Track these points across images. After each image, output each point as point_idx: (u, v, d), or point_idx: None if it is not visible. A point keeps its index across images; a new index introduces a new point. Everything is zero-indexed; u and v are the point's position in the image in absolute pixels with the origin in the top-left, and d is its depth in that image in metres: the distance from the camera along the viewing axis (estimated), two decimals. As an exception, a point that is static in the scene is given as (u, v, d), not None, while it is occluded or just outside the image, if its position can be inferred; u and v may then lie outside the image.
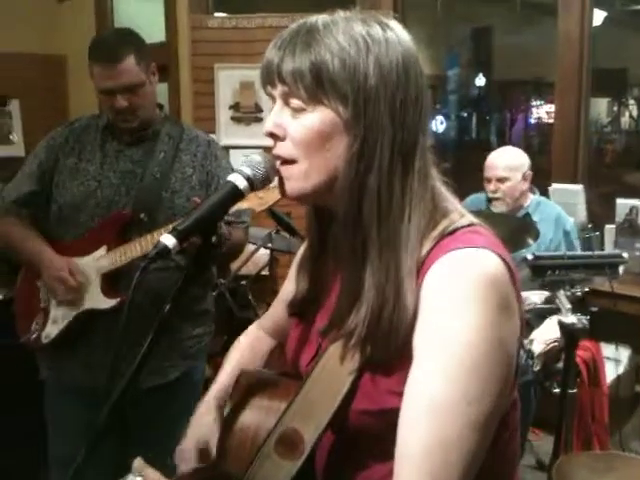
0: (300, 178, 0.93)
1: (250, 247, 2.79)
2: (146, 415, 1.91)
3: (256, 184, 0.96)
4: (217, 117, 3.87)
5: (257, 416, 1.04)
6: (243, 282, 3.10)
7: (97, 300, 1.93)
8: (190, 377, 2.12)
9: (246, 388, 1.09)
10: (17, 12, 4.52)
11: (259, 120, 3.81)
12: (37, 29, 4.72)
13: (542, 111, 8.39)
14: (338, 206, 0.92)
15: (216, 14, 4.51)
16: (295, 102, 0.91)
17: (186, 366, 2.09)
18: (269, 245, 2.98)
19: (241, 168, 0.97)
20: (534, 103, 8.41)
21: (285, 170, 0.94)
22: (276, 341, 1.29)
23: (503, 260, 0.86)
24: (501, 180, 2.90)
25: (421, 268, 0.87)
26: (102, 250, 1.94)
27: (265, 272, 3.23)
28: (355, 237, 0.91)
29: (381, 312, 0.87)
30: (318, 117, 0.89)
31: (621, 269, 2.33)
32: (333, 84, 0.88)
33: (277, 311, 1.25)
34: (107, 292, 1.93)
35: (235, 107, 3.89)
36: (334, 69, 0.87)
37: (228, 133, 3.85)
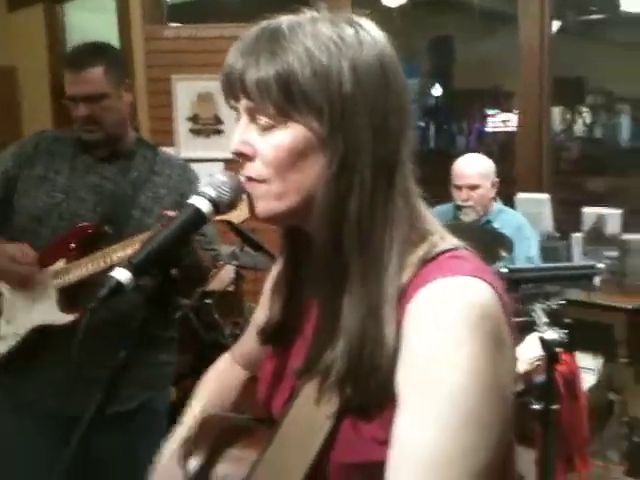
0: (273, 199, 0.82)
1: (215, 264, 2.70)
2: (106, 444, 1.81)
3: (221, 207, 0.86)
4: (175, 130, 3.77)
5: (232, 468, 0.92)
6: (208, 300, 3.00)
7: (52, 315, 1.84)
8: (152, 406, 2.01)
9: (218, 436, 0.97)
10: (-35, 23, 4.36)
11: (219, 132, 3.72)
12: (-14, 40, 4.57)
13: (498, 120, 8.50)
14: (316, 229, 0.82)
15: (171, 24, 4.41)
16: (263, 119, 0.80)
17: (146, 396, 1.98)
18: (234, 262, 2.89)
19: (204, 190, 0.86)
20: (491, 112, 8.50)
21: (256, 189, 0.83)
22: (249, 373, 1.16)
23: (493, 288, 0.76)
24: (472, 188, 2.86)
25: (402, 298, 0.77)
26: (61, 263, 1.86)
27: (231, 289, 3.15)
28: (334, 262, 0.81)
29: (361, 346, 0.77)
30: (290, 134, 0.79)
31: (596, 280, 2.31)
32: (304, 96, 0.78)
33: (249, 339, 1.13)
34: (64, 307, 1.85)
35: (194, 119, 3.79)
36: (304, 79, 0.77)
37: (187, 146, 3.74)
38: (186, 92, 3.75)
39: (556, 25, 6.65)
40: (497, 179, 2.96)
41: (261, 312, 1.06)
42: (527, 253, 2.80)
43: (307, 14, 0.82)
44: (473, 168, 2.89)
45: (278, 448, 0.83)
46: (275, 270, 1.02)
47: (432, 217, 0.86)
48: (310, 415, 0.81)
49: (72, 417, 1.08)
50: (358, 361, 0.77)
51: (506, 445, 0.78)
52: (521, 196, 3.33)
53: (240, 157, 0.83)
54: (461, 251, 0.82)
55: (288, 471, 0.80)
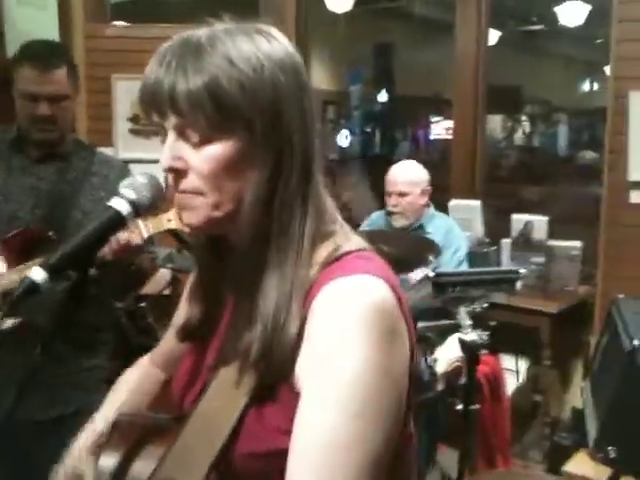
0: (210, 209, 0.84)
1: (149, 266, 2.68)
2: (44, 449, 1.80)
3: (141, 209, 0.88)
4: (114, 130, 3.73)
5: (147, 465, 0.92)
6: (143, 304, 2.97)
7: None
8: (89, 411, 1.99)
9: (135, 435, 0.98)
10: None
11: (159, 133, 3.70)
12: None
13: (440, 127, 8.66)
14: (241, 229, 0.85)
15: (114, 23, 4.36)
16: (193, 135, 0.82)
17: (82, 400, 1.97)
18: (169, 265, 2.87)
19: (124, 192, 0.87)
20: (434, 119, 8.66)
21: (192, 201, 0.84)
22: (167, 375, 1.17)
23: (390, 286, 0.81)
24: (402, 194, 2.93)
25: (308, 294, 0.82)
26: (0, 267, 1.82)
27: (167, 292, 3.11)
28: (255, 258, 0.85)
29: (274, 331, 0.81)
30: (223, 147, 0.81)
31: (518, 284, 2.41)
32: (234, 108, 0.80)
33: (169, 341, 1.15)
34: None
35: (134, 119, 3.75)
36: (232, 91, 0.80)
37: (127, 146, 3.70)
38: (126, 92, 3.70)
39: (497, 35, 6.84)
40: (429, 187, 3.02)
41: (181, 313, 1.08)
42: (456, 255, 2.88)
43: (218, 26, 0.85)
44: (403, 176, 2.96)
45: (185, 440, 0.86)
46: (193, 275, 1.05)
47: (338, 217, 0.90)
48: (217, 408, 0.84)
49: None
50: (270, 345, 0.81)
51: (402, 434, 0.83)
52: (454, 202, 3.42)
53: (173, 172, 0.84)
54: (364, 252, 0.86)
55: (195, 462, 0.83)
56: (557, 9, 6.58)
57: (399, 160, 3.19)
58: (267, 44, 0.84)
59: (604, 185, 3.07)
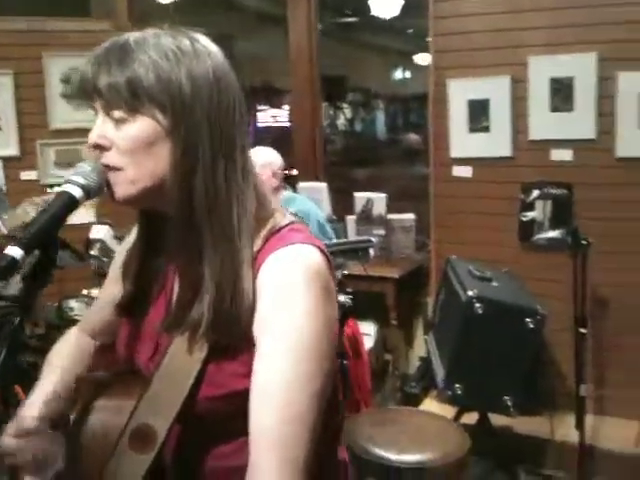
0: (128, 184, 0.97)
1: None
2: None
3: (91, 192, 0.99)
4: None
5: (105, 417, 1.05)
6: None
7: None
8: None
9: (88, 393, 1.09)
10: None
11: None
12: None
13: (267, 115, 8.93)
14: (170, 207, 0.98)
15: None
16: (116, 113, 0.95)
17: None
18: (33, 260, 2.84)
19: (73, 178, 0.98)
20: (262, 107, 8.90)
21: (113, 177, 0.98)
22: (99, 342, 1.29)
23: (322, 252, 0.98)
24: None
25: (255, 263, 0.97)
26: None
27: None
28: (189, 234, 0.98)
29: (222, 300, 0.95)
30: (139, 126, 0.95)
31: (372, 252, 2.69)
32: (150, 96, 0.94)
33: (98, 312, 1.27)
34: None
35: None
36: (149, 82, 0.93)
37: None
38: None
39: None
40: (279, 170, 3.21)
41: (110, 288, 1.21)
42: (326, 237, 3.12)
43: (151, 31, 1.00)
44: (252, 159, 3.13)
45: (155, 392, 1.00)
46: (122, 251, 1.18)
47: (272, 199, 1.08)
48: (181, 363, 0.99)
49: None
50: (221, 312, 0.95)
51: (335, 372, 1.03)
52: (302, 185, 3.68)
53: (97, 148, 0.98)
54: (296, 225, 1.04)
55: (165, 409, 0.99)
56: (371, 1, 7.05)
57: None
58: (189, 44, 0.98)
59: (431, 163, 3.46)
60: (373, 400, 3.02)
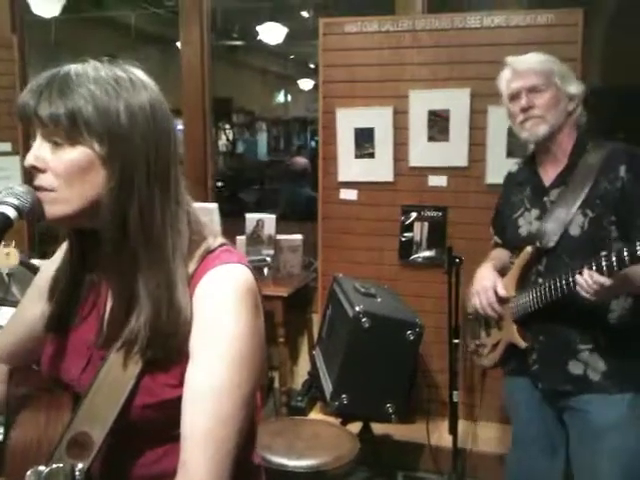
0: (60, 204, 1.01)
1: None
2: None
3: (24, 213, 1.01)
4: None
5: (35, 430, 1.07)
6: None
7: None
8: None
9: (16, 406, 1.11)
10: None
11: None
12: None
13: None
14: (102, 229, 1.02)
15: None
16: (55, 138, 1.00)
17: None
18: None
19: (6, 199, 1.00)
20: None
21: (46, 196, 1.02)
22: (8, 366, 1.26)
23: (251, 271, 1.07)
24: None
25: (191, 282, 1.04)
26: None
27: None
28: (123, 255, 1.03)
29: (159, 317, 1.01)
30: (76, 153, 0.99)
31: (265, 270, 2.80)
32: (88, 126, 0.98)
33: (11, 334, 1.26)
34: None
35: None
36: (88, 113, 0.98)
37: None
38: None
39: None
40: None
41: (29, 307, 1.23)
42: None
43: (91, 63, 1.05)
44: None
45: (91, 402, 1.04)
46: (47, 270, 1.21)
47: (206, 223, 1.14)
48: (118, 375, 1.03)
49: None
50: (158, 329, 1.01)
51: (260, 379, 1.11)
52: (194, 206, 3.71)
53: (33, 170, 1.02)
54: (227, 247, 1.11)
55: (101, 418, 1.03)
56: (259, 28, 7.25)
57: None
58: (127, 78, 1.03)
59: (320, 186, 3.63)
60: (260, 415, 3.10)
